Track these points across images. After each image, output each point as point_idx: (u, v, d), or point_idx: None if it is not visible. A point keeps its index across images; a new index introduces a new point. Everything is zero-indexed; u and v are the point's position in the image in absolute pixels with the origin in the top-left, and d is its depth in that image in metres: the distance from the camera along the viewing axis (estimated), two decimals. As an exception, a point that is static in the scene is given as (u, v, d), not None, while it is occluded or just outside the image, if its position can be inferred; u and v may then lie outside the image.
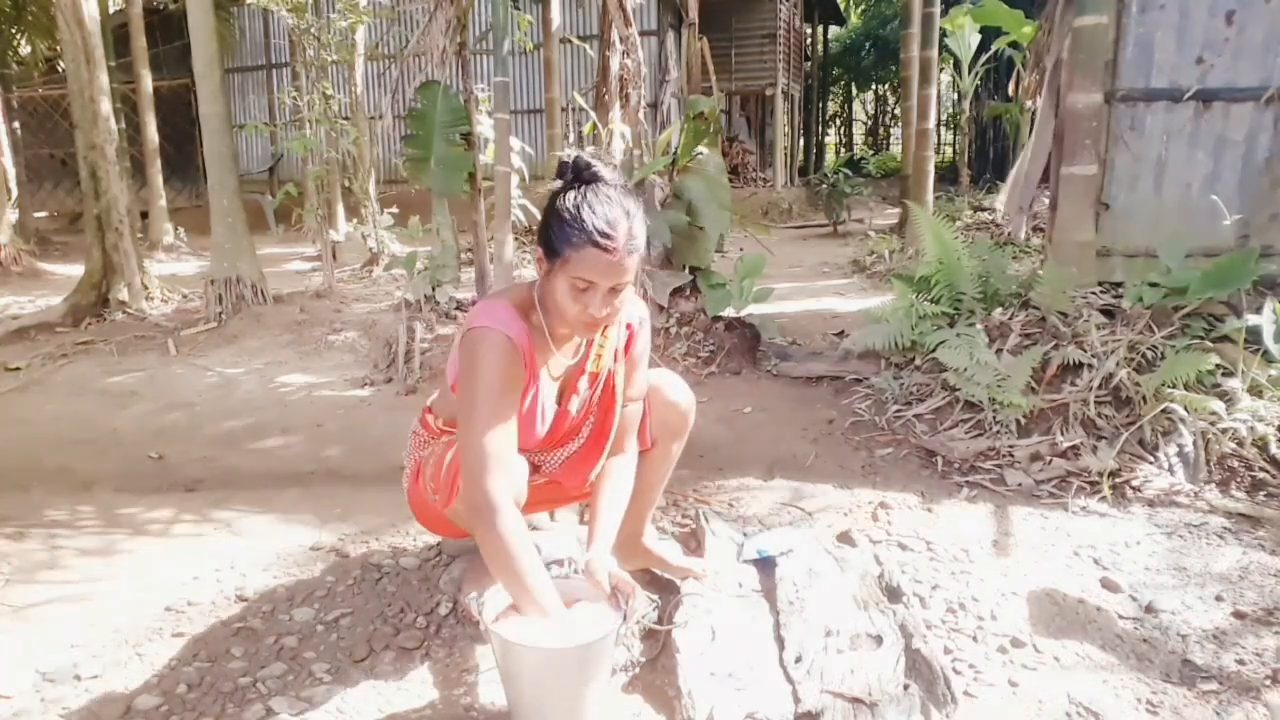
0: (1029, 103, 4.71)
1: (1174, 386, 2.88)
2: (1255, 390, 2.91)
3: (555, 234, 1.57)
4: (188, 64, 6.07)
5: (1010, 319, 3.55)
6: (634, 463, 1.91)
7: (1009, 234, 6.62)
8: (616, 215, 1.55)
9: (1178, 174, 3.81)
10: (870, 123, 30.53)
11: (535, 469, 1.89)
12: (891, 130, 28.24)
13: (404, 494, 2.02)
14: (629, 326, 1.86)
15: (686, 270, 4.58)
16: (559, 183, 1.62)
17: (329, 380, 4.55)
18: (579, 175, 1.60)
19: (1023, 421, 3.06)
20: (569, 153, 1.70)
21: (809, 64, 21.52)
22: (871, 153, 26.09)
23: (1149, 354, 3.14)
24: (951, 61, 14.08)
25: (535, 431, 1.79)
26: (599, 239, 1.52)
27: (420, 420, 2.00)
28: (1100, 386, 3.07)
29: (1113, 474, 2.74)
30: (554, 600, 1.58)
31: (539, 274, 1.67)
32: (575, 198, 1.57)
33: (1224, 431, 2.77)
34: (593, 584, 1.67)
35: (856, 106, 30.36)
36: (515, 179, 5.41)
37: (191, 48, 5.75)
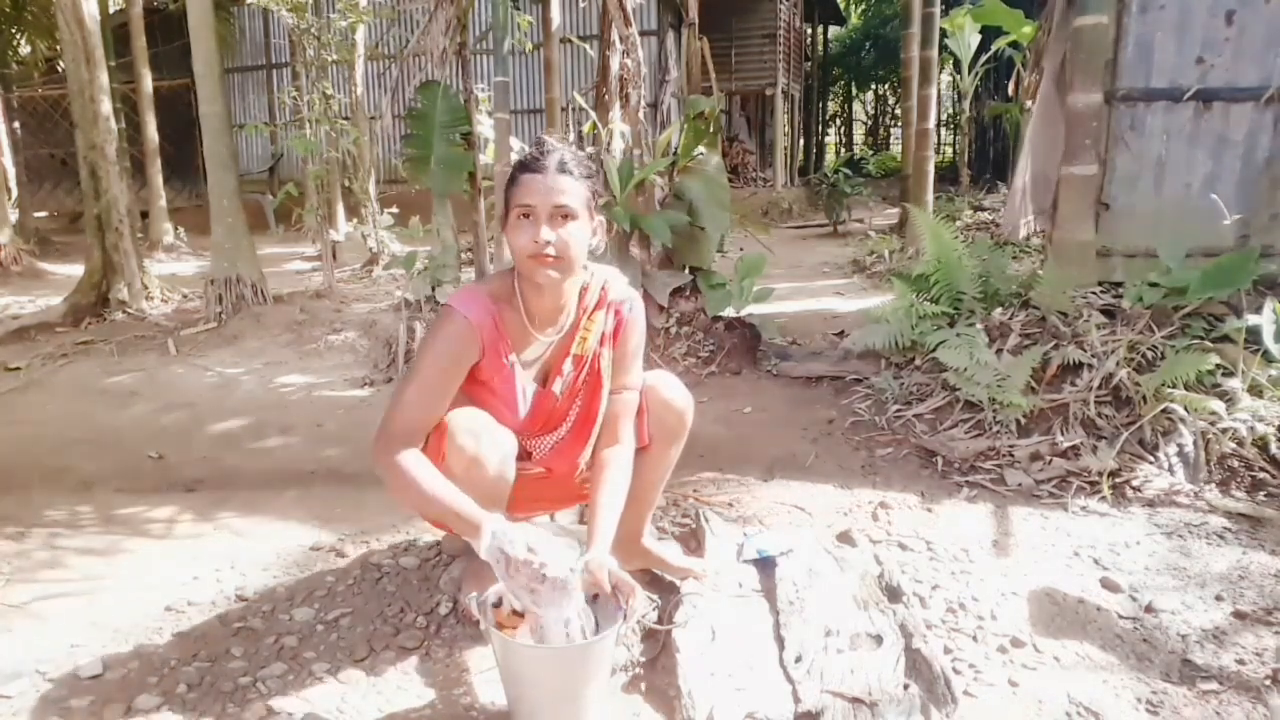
0: (1029, 103, 4.71)
1: (1174, 386, 2.88)
2: (1255, 390, 2.91)
3: (507, 186, 1.72)
4: (188, 64, 6.06)
5: (1010, 319, 3.56)
6: (630, 456, 1.90)
7: (1006, 234, 6.61)
8: (547, 145, 1.72)
9: (1178, 174, 3.81)
10: (870, 123, 30.54)
11: (527, 455, 1.90)
12: (891, 130, 28.24)
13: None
14: (617, 312, 1.87)
15: (686, 270, 4.58)
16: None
17: (329, 380, 4.55)
18: (536, 144, 1.75)
19: (1023, 421, 3.06)
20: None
21: (809, 64, 21.51)
22: (871, 153, 26.09)
23: (1149, 354, 3.14)
24: (951, 61, 14.08)
25: (516, 411, 1.82)
26: (529, 161, 1.70)
27: None
28: (1100, 386, 3.07)
29: (1113, 474, 2.74)
30: (474, 508, 1.60)
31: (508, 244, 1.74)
32: (520, 154, 1.75)
33: (1224, 431, 2.77)
34: (593, 584, 1.67)
35: (856, 106, 30.36)
36: (515, 179, 5.40)
37: (191, 48, 5.75)
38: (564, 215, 1.67)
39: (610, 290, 1.87)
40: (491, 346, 1.75)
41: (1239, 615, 2.00)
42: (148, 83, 10.40)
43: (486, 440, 1.73)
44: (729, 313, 4.47)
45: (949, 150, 22.72)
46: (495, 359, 1.76)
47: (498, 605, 1.69)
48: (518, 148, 5.57)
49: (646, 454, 1.98)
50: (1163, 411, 2.85)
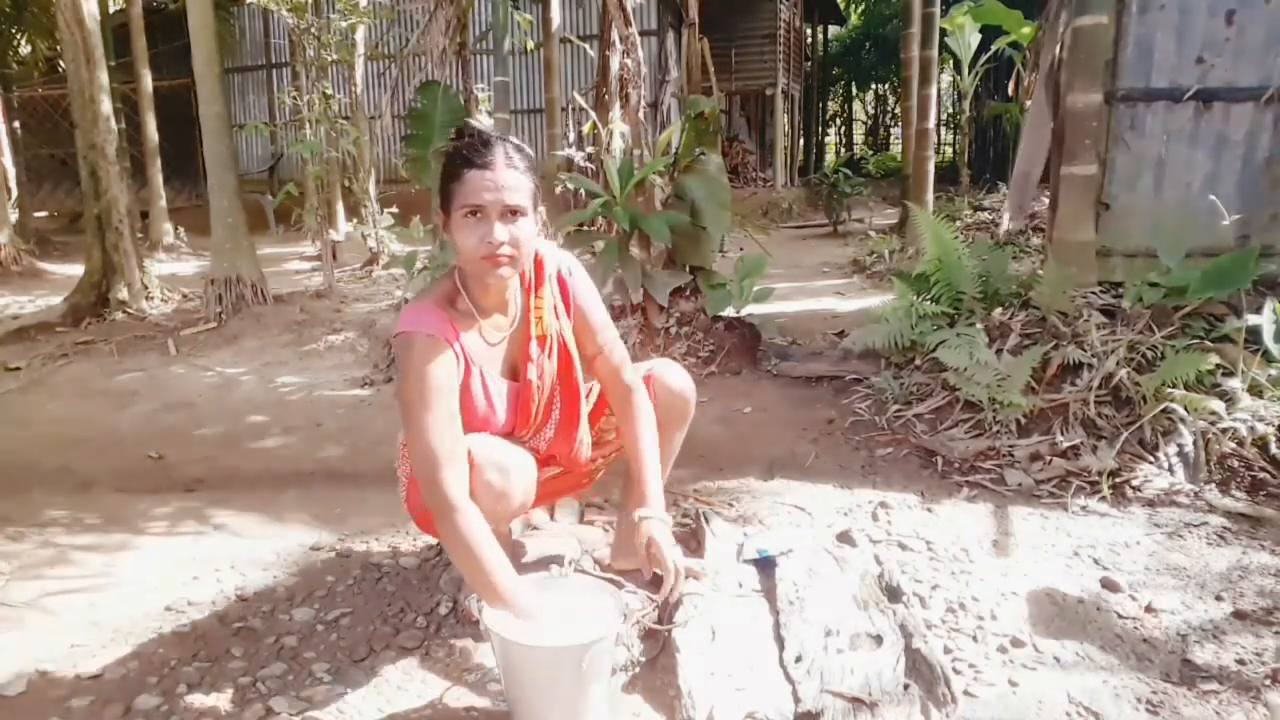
0: (1028, 103, 4.71)
1: (1174, 386, 2.88)
2: (1255, 390, 2.91)
3: (443, 181, 1.63)
4: (188, 64, 6.06)
5: (1010, 319, 3.55)
6: (646, 398, 1.90)
7: (1003, 233, 6.61)
8: (497, 143, 1.63)
9: (1178, 174, 3.81)
10: (870, 123, 30.53)
11: (533, 451, 1.88)
12: (891, 130, 28.24)
13: (403, 494, 2.01)
14: (559, 278, 1.85)
15: (687, 270, 4.58)
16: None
17: (329, 380, 4.55)
18: (459, 135, 1.67)
19: (1023, 421, 3.06)
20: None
21: (809, 64, 21.52)
22: (871, 153, 26.10)
23: (1149, 354, 3.14)
24: (951, 61, 14.08)
25: (495, 414, 1.78)
26: (474, 158, 1.60)
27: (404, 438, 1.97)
28: (1100, 386, 3.07)
29: (1113, 474, 2.74)
30: (521, 595, 1.59)
31: (449, 240, 1.68)
32: (453, 145, 1.65)
33: (1224, 431, 2.77)
34: (643, 556, 1.73)
35: (856, 106, 30.37)
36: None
37: (191, 48, 5.75)
38: (514, 213, 1.61)
39: (545, 261, 1.83)
40: (464, 350, 1.71)
41: (1239, 615, 2.00)
42: (148, 83, 10.40)
43: (515, 474, 1.71)
44: (729, 313, 4.47)
45: (949, 150, 22.71)
46: (466, 367, 1.72)
47: None
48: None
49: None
50: (1163, 411, 2.85)
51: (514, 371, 1.83)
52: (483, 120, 5.87)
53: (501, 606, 1.58)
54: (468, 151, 1.61)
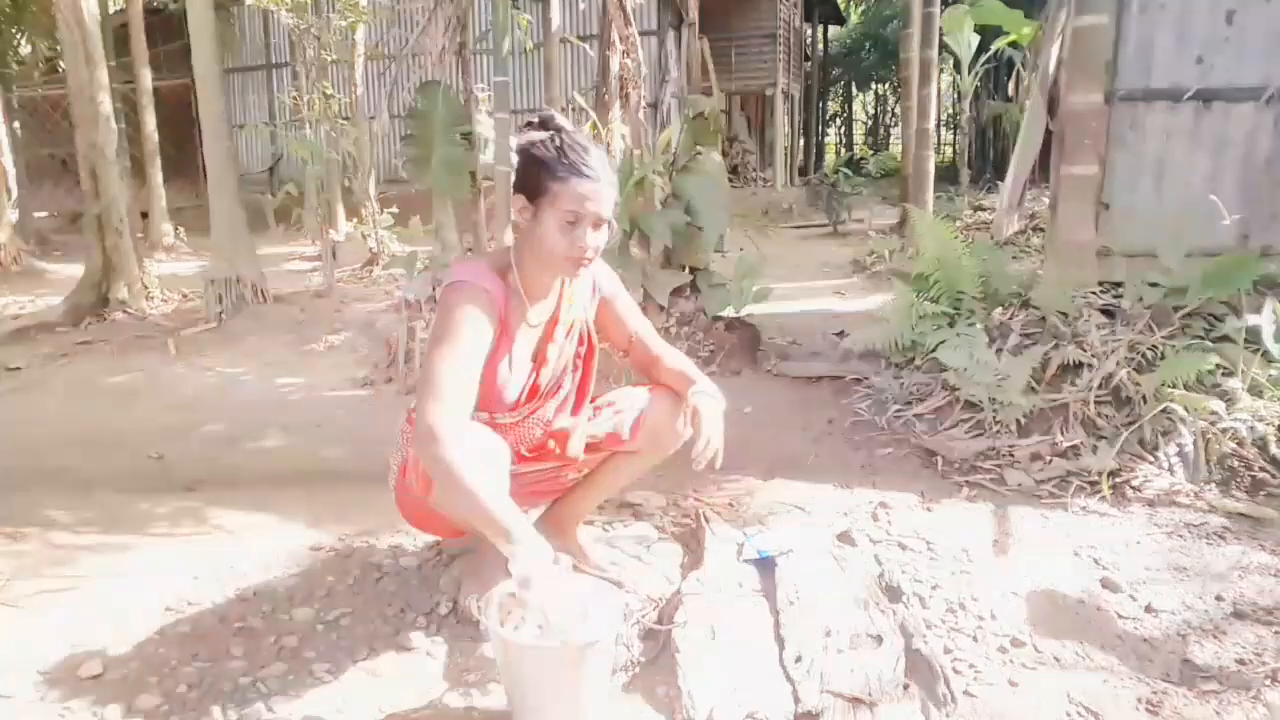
0: (1029, 102, 4.71)
1: (1174, 386, 2.88)
2: (1255, 390, 2.91)
3: (540, 174, 1.68)
4: (188, 64, 6.07)
5: (1010, 319, 3.56)
6: (679, 354, 2.04)
7: (1000, 233, 6.61)
8: (594, 150, 1.71)
9: (1178, 174, 3.81)
10: (870, 123, 30.55)
11: (530, 434, 1.92)
12: (891, 130, 28.25)
13: (392, 482, 2.02)
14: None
15: (686, 270, 4.58)
16: (531, 134, 1.73)
17: (329, 380, 4.55)
18: (546, 125, 1.72)
19: (1023, 421, 3.06)
20: (527, 118, 1.79)
21: (809, 64, 21.51)
22: (871, 153, 26.10)
23: (1149, 354, 3.14)
24: (951, 61, 14.06)
25: (509, 389, 1.82)
26: (583, 169, 1.67)
27: (407, 418, 1.99)
28: (1100, 386, 3.07)
29: (1113, 474, 2.74)
30: (516, 519, 1.55)
31: (519, 224, 1.74)
32: (552, 141, 1.69)
33: (1224, 431, 2.77)
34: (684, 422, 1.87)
35: (856, 106, 30.37)
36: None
37: (191, 48, 5.76)
38: (602, 222, 1.71)
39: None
40: (504, 321, 1.76)
41: (1239, 615, 2.00)
42: (148, 83, 10.40)
43: (486, 456, 1.70)
44: (729, 313, 4.47)
45: (949, 150, 22.72)
46: (505, 334, 1.78)
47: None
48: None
49: (627, 457, 2.04)
50: (1163, 411, 2.85)
51: (538, 355, 1.88)
52: (483, 120, 5.87)
53: (505, 544, 1.52)
54: (574, 157, 1.67)
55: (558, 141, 1.68)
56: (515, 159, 1.74)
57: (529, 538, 1.53)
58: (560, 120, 1.73)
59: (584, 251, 1.69)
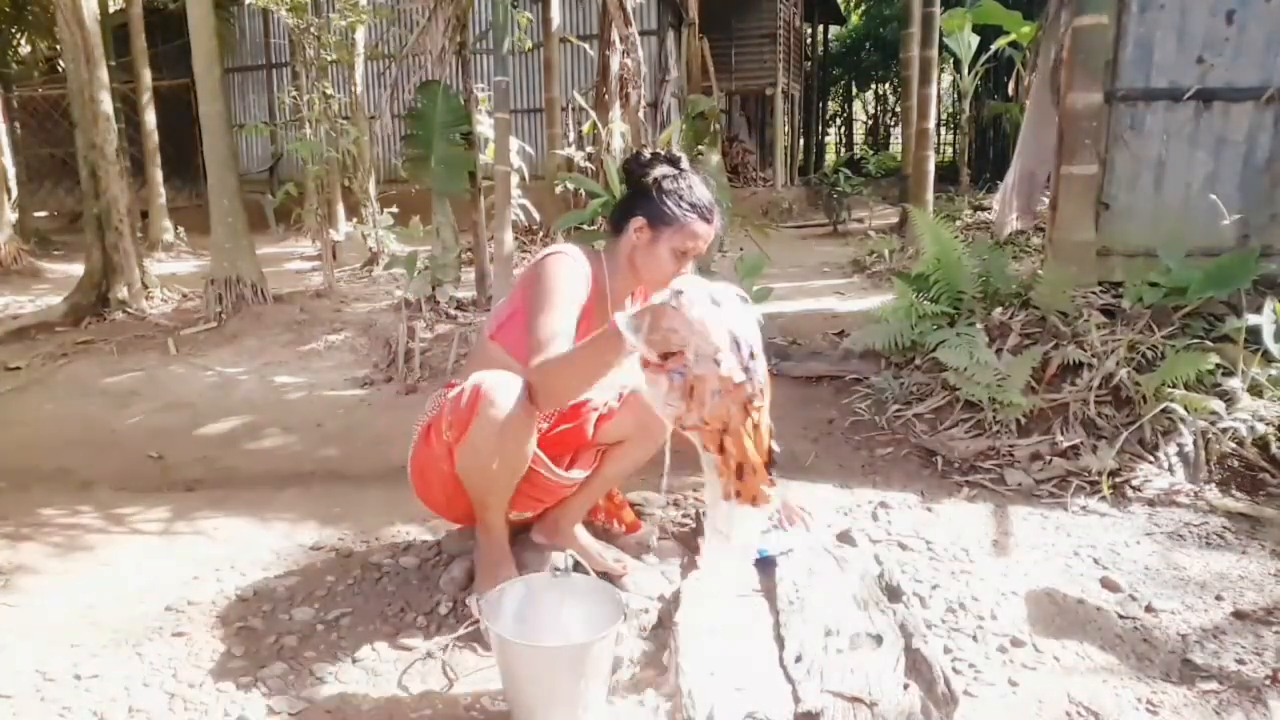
0: (1029, 102, 4.71)
1: (1174, 386, 2.88)
2: (1255, 390, 2.91)
3: (674, 209, 1.91)
4: (188, 64, 6.06)
5: (1010, 319, 3.55)
6: None
7: (1009, 232, 6.61)
8: (712, 198, 1.97)
9: (1178, 174, 3.81)
10: (870, 122, 30.52)
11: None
12: (891, 130, 28.23)
13: (401, 492, 2.03)
14: (645, 293, 2.08)
15: (686, 270, 4.57)
16: (662, 169, 1.94)
17: (329, 380, 4.55)
18: (675, 164, 1.97)
19: (1023, 421, 3.06)
20: (649, 151, 2.00)
21: (809, 64, 21.51)
22: (871, 152, 26.07)
23: (1149, 354, 3.14)
24: (951, 61, 14.06)
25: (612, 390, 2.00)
26: (706, 214, 1.94)
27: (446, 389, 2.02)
28: (1100, 386, 3.07)
29: (1113, 474, 2.74)
30: (597, 334, 1.64)
31: (633, 241, 1.94)
32: (682, 180, 1.94)
33: (1224, 431, 2.77)
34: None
35: (856, 106, 30.36)
36: (515, 178, 5.41)
37: (191, 47, 5.75)
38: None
39: None
40: (589, 304, 1.89)
41: (1239, 615, 2.00)
42: (148, 83, 10.39)
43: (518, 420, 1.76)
44: (729, 313, 4.46)
45: (949, 150, 22.70)
46: (585, 316, 1.87)
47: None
48: (517, 147, 5.57)
49: (617, 452, 2.11)
50: (1163, 411, 2.85)
51: None
52: (483, 120, 5.87)
53: (615, 343, 1.52)
54: (704, 207, 1.93)
55: (689, 182, 1.93)
56: (653, 190, 1.92)
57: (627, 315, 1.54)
58: (683, 159, 1.98)
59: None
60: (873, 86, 27.57)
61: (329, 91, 7.26)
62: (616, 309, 1.93)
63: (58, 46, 8.93)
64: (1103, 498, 2.66)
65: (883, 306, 4.20)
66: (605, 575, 2.02)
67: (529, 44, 6.60)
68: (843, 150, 27.90)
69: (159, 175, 10.78)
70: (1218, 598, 2.08)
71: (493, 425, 1.72)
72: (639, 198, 1.96)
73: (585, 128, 6.67)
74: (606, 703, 1.67)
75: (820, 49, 23.49)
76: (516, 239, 6.29)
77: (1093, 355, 3.17)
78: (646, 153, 2.01)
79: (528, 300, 1.84)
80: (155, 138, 10.55)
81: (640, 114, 4.93)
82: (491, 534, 1.97)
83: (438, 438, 1.89)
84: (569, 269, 1.87)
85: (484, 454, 1.77)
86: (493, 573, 1.94)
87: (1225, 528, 2.46)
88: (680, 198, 1.92)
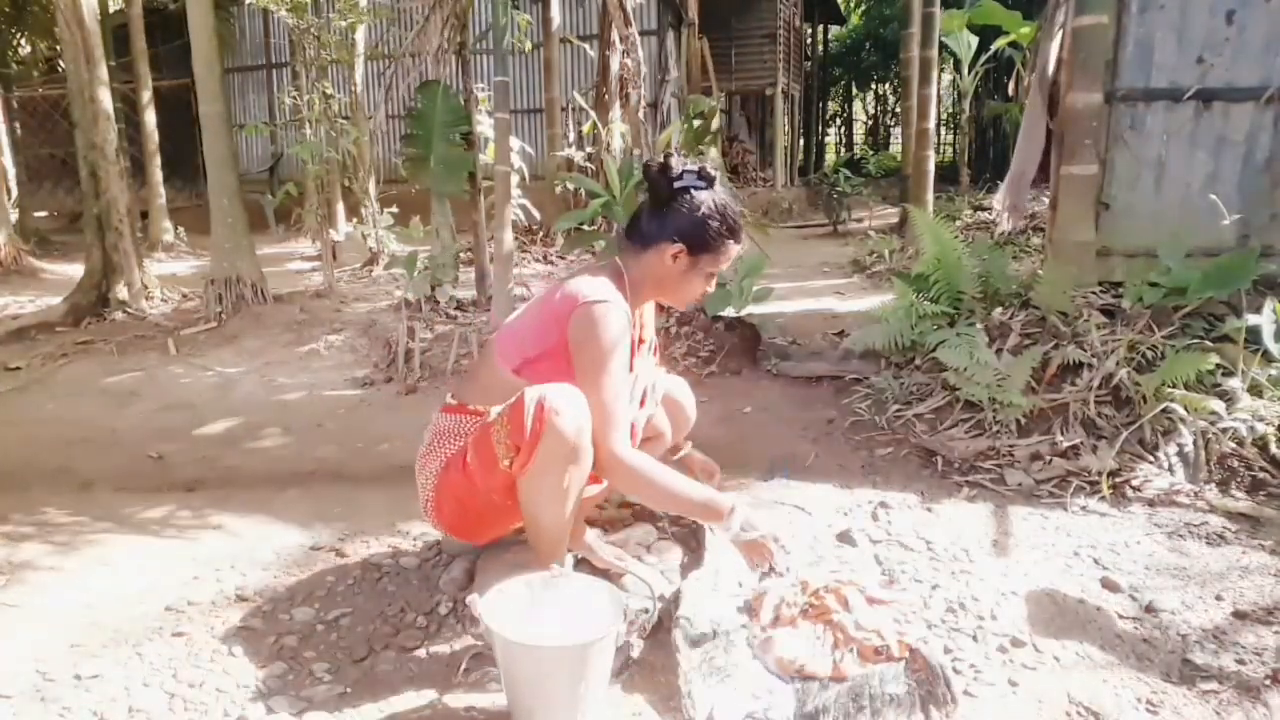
0: (1028, 102, 4.71)
1: (1174, 386, 2.88)
2: (1255, 390, 2.91)
3: (714, 237, 1.87)
4: (188, 64, 6.06)
5: (1010, 319, 3.55)
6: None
7: (1000, 231, 6.61)
8: (738, 208, 1.93)
9: (1178, 174, 3.81)
10: (870, 122, 30.51)
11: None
12: (891, 130, 28.22)
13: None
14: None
15: (686, 270, 4.57)
16: (702, 195, 1.86)
17: (329, 380, 4.55)
18: (709, 180, 1.88)
19: (1023, 421, 3.06)
20: (679, 162, 1.90)
21: (809, 64, 21.50)
22: (871, 152, 26.06)
23: (1149, 354, 3.14)
24: (951, 61, 14.07)
25: (632, 399, 1.96)
26: (738, 235, 1.91)
27: (455, 410, 1.96)
28: (1100, 386, 3.07)
29: (1113, 474, 2.74)
30: (712, 494, 1.86)
31: (667, 264, 1.88)
32: (719, 201, 1.87)
33: (1224, 431, 2.77)
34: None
35: (856, 106, 30.35)
36: (515, 179, 5.41)
37: (191, 48, 5.75)
38: None
39: None
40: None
41: (1239, 615, 2.00)
42: (148, 82, 10.39)
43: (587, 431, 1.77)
44: (729, 313, 4.47)
45: (949, 150, 22.70)
46: (633, 347, 1.92)
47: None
48: (518, 147, 5.57)
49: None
50: (1163, 411, 2.85)
51: (631, 368, 1.98)
52: (483, 120, 5.87)
53: (717, 520, 1.82)
54: (739, 226, 1.90)
55: (723, 199, 1.87)
56: (689, 213, 1.85)
57: (727, 500, 1.83)
58: (711, 170, 1.89)
59: (702, 299, 1.94)
60: (873, 87, 27.57)
61: (329, 91, 7.26)
62: (636, 322, 1.94)
63: (58, 46, 8.92)
64: (1103, 498, 2.66)
65: (883, 306, 4.20)
66: (605, 575, 2.02)
67: (529, 44, 6.60)
68: (843, 150, 27.89)
69: (159, 175, 10.79)
70: (1218, 598, 2.08)
71: (562, 439, 1.69)
72: (672, 219, 1.86)
73: (585, 128, 6.68)
74: (606, 703, 1.67)
75: (820, 49, 23.48)
76: (516, 239, 6.29)
77: (1093, 355, 3.17)
78: (675, 164, 1.88)
79: (579, 358, 1.78)
80: (155, 138, 10.56)
81: (640, 114, 4.93)
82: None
83: (486, 468, 1.81)
84: (618, 322, 1.78)
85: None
86: (495, 572, 1.94)
87: (1225, 528, 2.46)
88: (720, 222, 1.86)
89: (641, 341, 2.01)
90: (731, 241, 1.89)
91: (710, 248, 1.88)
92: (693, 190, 1.86)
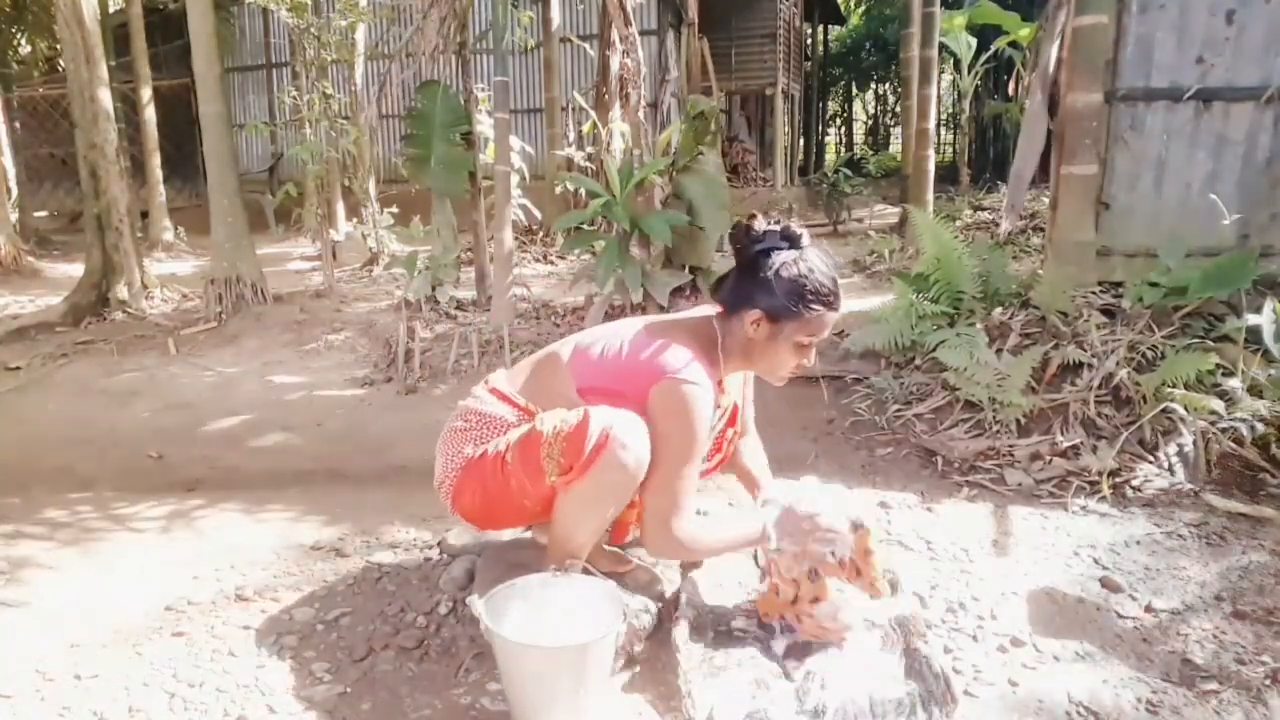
0: (1029, 102, 4.71)
1: (1174, 386, 2.88)
2: (1255, 390, 2.90)
3: (790, 302, 1.74)
4: (188, 64, 6.07)
5: (1010, 319, 3.56)
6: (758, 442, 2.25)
7: (1002, 233, 6.61)
8: (834, 275, 1.78)
9: (1178, 174, 3.81)
10: (870, 122, 30.51)
11: None
12: (891, 130, 28.22)
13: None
14: None
15: (687, 270, 4.58)
16: (783, 255, 1.75)
17: (329, 380, 4.55)
18: (793, 241, 1.77)
19: (1023, 421, 3.06)
20: (762, 223, 1.79)
21: (809, 64, 21.50)
22: (871, 152, 26.05)
23: (1149, 354, 3.14)
24: (951, 61, 14.07)
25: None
26: (832, 301, 1.76)
27: (506, 399, 1.87)
28: (1100, 386, 3.07)
29: (1113, 474, 2.74)
30: (745, 530, 1.83)
31: (749, 333, 1.79)
32: (803, 265, 1.75)
33: (1224, 431, 2.77)
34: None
35: (856, 106, 30.35)
36: (515, 178, 5.41)
37: (191, 48, 5.75)
38: None
39: None
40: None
41: (1239, 615, 2.00)
42: (147, 82, 10.39)
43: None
44: (729, 313, 4.46)
45: (949, 150, 22.68)
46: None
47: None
48: (518, 147, 5.57)
49: None
50: (1163, 411, 2.85)
51: None
52: (483, 120, 5.87)
53: (761, 546, 1.83)
54: (830, 294, 1.76)
55: (809, 265, 1.74)
56: (770, 277, 1.74)
57: (758, 527, 1.81)
58: (798, 231, 1.77)
59: (801, 370, 1.82)
60: (873, 86, 27.56)
61: (329, 91, 7.26)
62: (723, 392, 1.90)
63: (58, 46, 8.93)
64: (1103, 498, 2.66)
65: (883, 306, 4.20)
66: (605, 574, 2.02)
67: (530, 43, 6.60)
68: (843, 150, 27.85)
69: (159, 175, 10.78)
70: (1218, 598, 2.08)
71: (621, 471, 1.68)
72: (753, 284, 1.77)
73: (585, 128, 6.68)
74: (606, 703, 1.67)
75: (820, 49, 23.47)
76: (517, 239, 6.29)
77: (1093, 355, 3.17)
78: (759, 225, 1.78)
79: (657, 429, 1.72)
80: (155, 137, 10.56)
81: (640, 114, 4.92)
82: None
83: (529, 476, 1.76)
84: (704, 411, 1.73)
85: (602, 499, 1.74)
86: (496, 573, 1.94)
87: (1225, 528, 2.46)
88: (804, 288, 1.73)
89: (718, 406, 1.90)
90: (822, 310, 1.74)
91: (793, 315, 1.74)
92: (774, 252, 1.76)
